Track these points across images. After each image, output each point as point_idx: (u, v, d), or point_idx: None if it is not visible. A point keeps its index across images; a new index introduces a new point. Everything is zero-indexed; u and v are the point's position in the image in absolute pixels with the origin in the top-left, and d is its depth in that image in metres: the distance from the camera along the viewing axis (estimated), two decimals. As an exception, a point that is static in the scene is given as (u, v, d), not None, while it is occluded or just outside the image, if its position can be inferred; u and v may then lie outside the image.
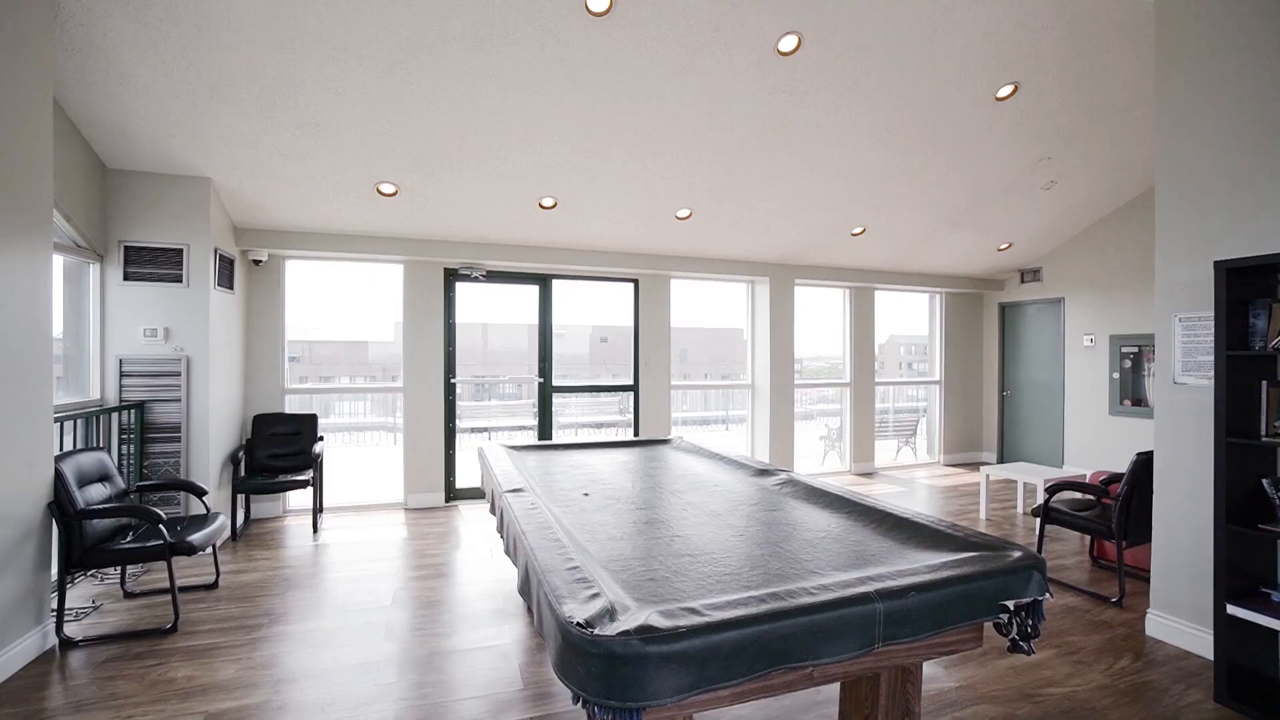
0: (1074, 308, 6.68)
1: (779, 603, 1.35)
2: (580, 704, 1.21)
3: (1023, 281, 7.28)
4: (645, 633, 1.19)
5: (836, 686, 1.98)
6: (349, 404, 9.70)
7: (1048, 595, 1.63)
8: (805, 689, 1.53)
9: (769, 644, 1.28)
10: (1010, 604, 1.58)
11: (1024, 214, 5.98)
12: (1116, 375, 6.24)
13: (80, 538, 2.85)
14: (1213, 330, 2.68)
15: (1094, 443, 6.43)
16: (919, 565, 1.65)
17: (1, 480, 2.54)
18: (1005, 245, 6.64)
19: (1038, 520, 4.09)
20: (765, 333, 6.59)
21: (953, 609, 1.49)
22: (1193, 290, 2.81)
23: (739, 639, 1.25)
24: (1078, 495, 3.94)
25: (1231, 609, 2.34)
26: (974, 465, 7.33)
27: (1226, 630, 2.36)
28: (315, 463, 4.78)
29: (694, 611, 1.31)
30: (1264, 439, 2.34)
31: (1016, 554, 1.67)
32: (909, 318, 8.03)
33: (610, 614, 1.30)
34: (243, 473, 4.65)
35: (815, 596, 1.39)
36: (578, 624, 1.23)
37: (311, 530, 4.69)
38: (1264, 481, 2.39)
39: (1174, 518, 2.90)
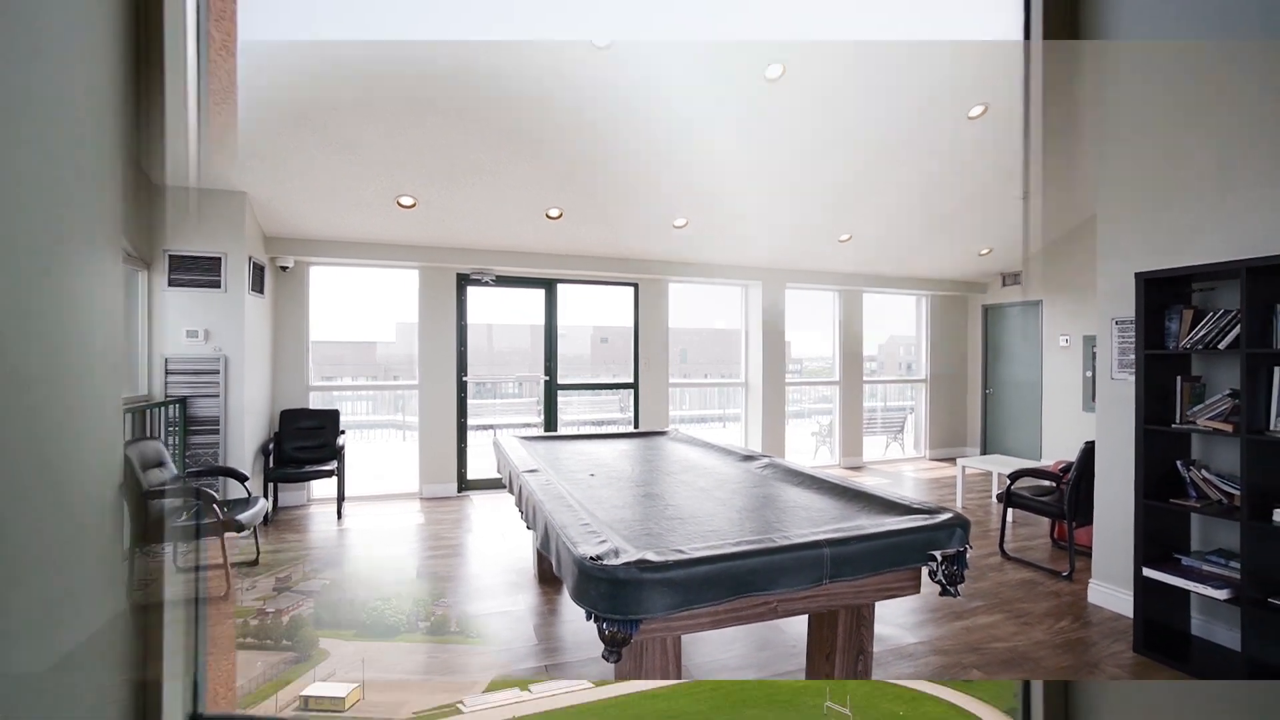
0: (1051, 310, 7.05)
1: (747, 547, 1.73)
2: (592, 620, 1.59)
3: (1004, 285, 7.66)
4: (642, 563, 1.57)
5: (808, 650, 2.36)
6: (350, 402, 10.00)
7: (969, 547, 2.00)
8: (771, 620, 1.89)
9: (738, 575, 1.65)
10: (937, 554, 1.95)
11: (1002, 221, 6.36)
12: (1090, 374, 6.61)
13: (145, 515, 3.23)
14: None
15: (1070, 437, 6.78)
16: (866, 524, 2.02)
17: (86, 464, 2.91)
18: (986, 250, 7.01)
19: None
20: (758, 334, 6.97)
21: (887, 555, 1.87)
22: (1124, 298, 3.18)
23: (714, 571, 1.62)
24: (1042, 482, 4.32)
25: (1147, 571, 2.72)
26: (958, 459, 7.69)
27: (1143, 590, 2.74)
28: (338, 454, 5.16)
29: (680, 552, 1.68)
30: (1175, 426, 2.71)
31: (946, 515, 2.04)
32: (898, 319, 8.40)
33: (615, 552, 1.67)
34: (272, 463, 5.04)
35: (775, 543, 1.77)
36: (590, 558, 1.61)
37: (336, 516, 5.07)
38: (1178, 463, 2.76)
39: (1111, 498, 3.27)
